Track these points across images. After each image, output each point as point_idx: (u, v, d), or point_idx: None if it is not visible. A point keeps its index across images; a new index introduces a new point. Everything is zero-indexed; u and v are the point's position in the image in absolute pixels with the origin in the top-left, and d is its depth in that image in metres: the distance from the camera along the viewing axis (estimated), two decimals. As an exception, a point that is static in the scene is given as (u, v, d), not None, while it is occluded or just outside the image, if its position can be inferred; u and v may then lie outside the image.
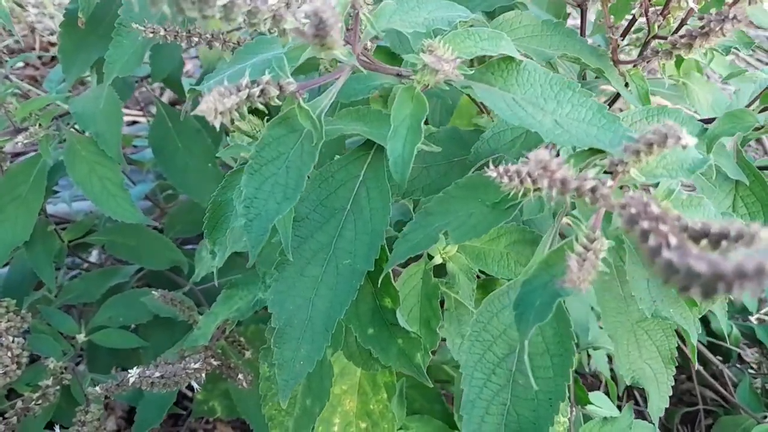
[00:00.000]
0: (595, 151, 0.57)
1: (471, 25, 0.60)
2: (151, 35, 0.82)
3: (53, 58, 2.26)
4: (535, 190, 0.55)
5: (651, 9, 0.71)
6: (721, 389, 1.56)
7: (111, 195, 1.06)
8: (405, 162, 0.58)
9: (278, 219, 0.58)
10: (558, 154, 0.51)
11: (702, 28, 0.61)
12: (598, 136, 0.58)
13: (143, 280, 1.43)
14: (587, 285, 0.44)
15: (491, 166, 0.54)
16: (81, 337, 1.20)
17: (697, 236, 0.43)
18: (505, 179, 0.54)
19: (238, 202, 0.59)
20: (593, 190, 0.46)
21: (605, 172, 0.57)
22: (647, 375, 0.89)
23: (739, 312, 1.66)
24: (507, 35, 0.72)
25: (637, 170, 0.51)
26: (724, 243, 0.40)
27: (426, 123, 0.64)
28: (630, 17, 0.77)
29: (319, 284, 0.67)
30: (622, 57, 0.78)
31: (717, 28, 0.59)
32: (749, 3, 0.62)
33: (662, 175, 0.54)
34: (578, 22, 0.82)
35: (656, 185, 0.57)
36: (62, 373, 1.10)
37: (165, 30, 0.83)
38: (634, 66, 0.73)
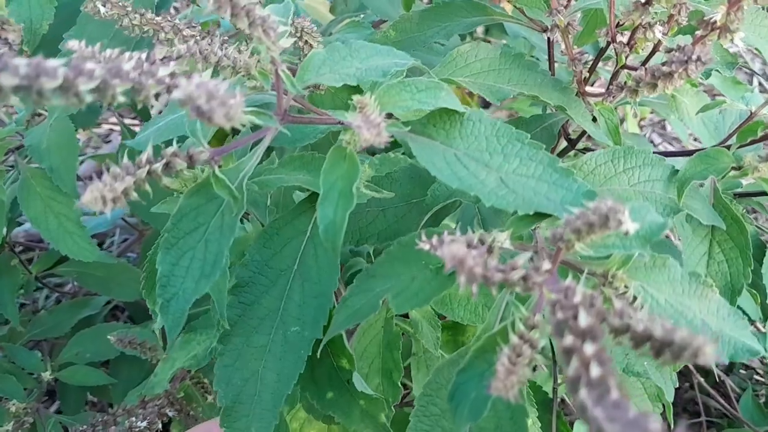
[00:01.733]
0: (543, 215, 0.52)
1: (406, 75, 0.54)
2: None
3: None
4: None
5: (618, 38, 0.65)
6: (723, 402, 1.50)
7: (67, 232, 1.02)
8: (337, 229, 0.53)
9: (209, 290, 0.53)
10: (483, 241, 0.46)
11: (666, 65, 0.55)
12: (548, 195, 0.52)
13: (119, 309, 1.39)
14: (515, 391, 0.39)
15: (423, 238, 0.48)
16: (47, 375, 1.16)
17: (640, 340, 0.37)
18: (439, 252, 0.48)
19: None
20: (524, 279, 0.41)
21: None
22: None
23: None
24: (461, 71, 0.66)
25: (582, 244, 0.45)
26: (666, 352, 0.35)
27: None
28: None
29: (267, 355, 0.62)
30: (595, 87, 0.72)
31: (680, 70, 0.53)
32: (718, 37, 0.56)
33: (614, 246, 0.48)
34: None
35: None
36: (25, 415, 1.06)
37: None
38: (603, 99, 0.67)
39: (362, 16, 1.10)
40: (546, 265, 0.42)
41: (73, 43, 0.46)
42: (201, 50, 0.52)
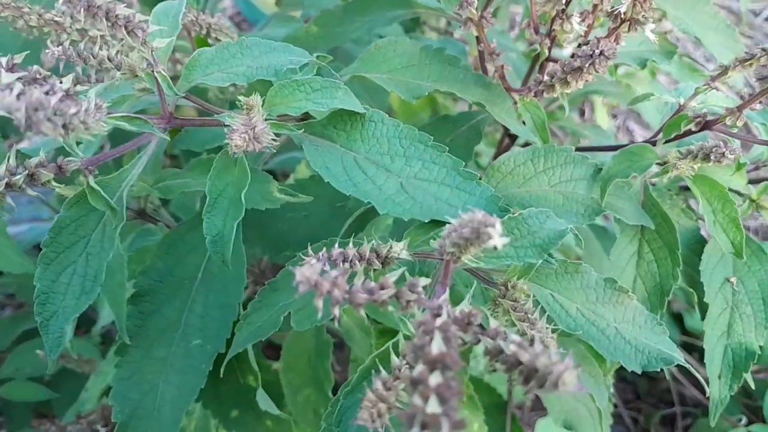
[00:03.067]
0: (443, 222, 0.48)
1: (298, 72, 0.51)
2: None
3: None
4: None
5: (540, 30, 0.62)
6: (697, 391, 1.49)
7: (-5, 246, 0.97)
8: (225, 240, 0.49)
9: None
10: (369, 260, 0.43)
11: (575, 60, 0.52)
12: (449, 200, 0.49)
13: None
14: (385, 421, 0.36)
15: (310, 252, 0.45)
16: (-14, 392, 1.12)
17: (510, 365, 0.34)
18: (327, 266, 0.45)
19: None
20: (398, 296, 0.38)
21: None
22: (581, 415, 0.82)
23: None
24: (378, 67, 0.63)
25: (470, 256, 0.42)
26: (533, 379, 0.32)
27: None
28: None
29: (168, 368, 0.59)
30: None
31: (587, 65, 0.50)
32: (628, 30, 0.53)
33: (507, 256, 0.45)
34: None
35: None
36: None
37: None
38: (524, 95, 0.64)
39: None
40: (422, 281, 0.39)
41: None
42: (79, 53, 0.49)
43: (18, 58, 0.44)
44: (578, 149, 0.62)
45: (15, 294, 1.50)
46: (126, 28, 0.42)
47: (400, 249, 0.46)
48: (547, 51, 0.62)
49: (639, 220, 0.61)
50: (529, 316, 0.44)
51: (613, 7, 0.52)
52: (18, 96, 0.33)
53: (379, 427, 0.36)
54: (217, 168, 0.49)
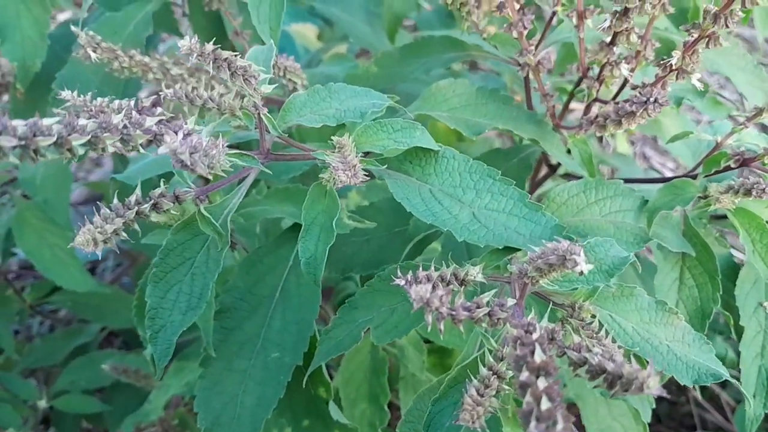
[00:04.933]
0: (514, 248, 0.54)
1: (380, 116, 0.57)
2: None
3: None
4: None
5: (589, 73, 0.68)
6: (718, 415, 1.52)
7: (61, 263, 1.04)
8: (318, 263, 0.55)
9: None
10: (449, 282, 0.48)
11: (629, 104, 0.58)
12: (518, 229, 0.55)
13: (116, 338, 1.41)
14: (482, 422, 0.41)
15: (399, 274, 0.51)
16: (42, 404, 1.17)
17: (595, 373, 0.40)
18: (413, 286, 0.51)
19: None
20: (490, 315, 0.44)
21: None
22: (617, 433, 0.86)
23: (722, 334, 1.62)
24: (439, 106, 0.69)
25: (547, 280, 0.48)
26: (617, 385, 0.38)
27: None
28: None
29: (247, 379, 0.64)
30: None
31: (640, 111, 0.56)
32: (676, 78, 0.59)
33: (578, 280, 0.51)
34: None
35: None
36: (20, 444, 1.08)
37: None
38: (576, 132, 0.70)
39: (347, 46, 1.13)
40: (510, 302, 0.45)
41: (66, 93, 0.49)
42: (187, 94, 0.55)
43: (147, 102, 0.50)
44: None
45: (57, 310, 1.57)
46: (243, 77, 0.49)
47: (476, 272, 0.52)
48: (595, 93, 0.69)
49: (681, 248, 0.66)
50: (596, 334, 0.50)
51: (663, 59, 0.58)
52: (182, 141, 0.39)
53: (478, 427, 0.41)
54: (310, 198, 0.55)
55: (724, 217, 0.79)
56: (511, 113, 0.70)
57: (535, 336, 0.38)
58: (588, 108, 0.72)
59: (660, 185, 0.71)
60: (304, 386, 0.68)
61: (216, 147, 0.43)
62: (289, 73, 0.73)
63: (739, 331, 0.71)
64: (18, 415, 1.13)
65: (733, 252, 0.77)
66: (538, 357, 0.36)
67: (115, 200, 0.49)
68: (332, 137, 0.54)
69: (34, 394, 1.18)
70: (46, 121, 0.38)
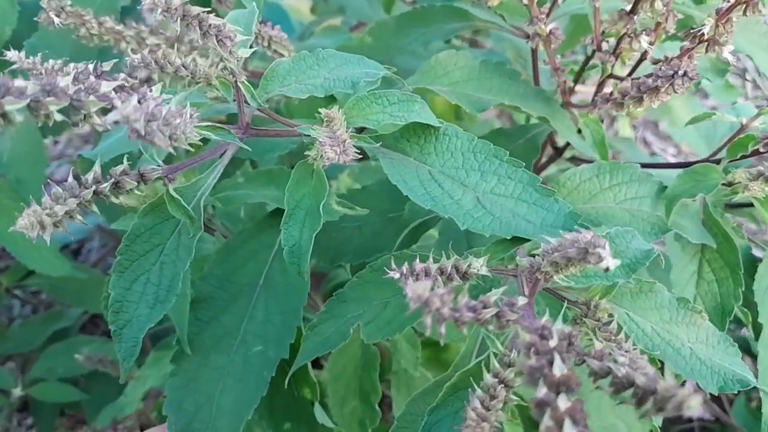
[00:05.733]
0: (522, 238, 0.48)
1: (380, 86, 0.51)
2: None
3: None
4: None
5: (604, 46, 0.62)
6: (716, 407, 1.48)
7: (34, 247, 0.97)
8: (303, 251, 0.49)
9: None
10: (449, 275, 0.43)
11: (652, 79, 0.52)
12: (527, 216, 0.49)
13: (100, 320, 1.35)
14: (488, 436, 0.36)
15: (393, 266, 0.45)
16: (17, 392, 1.12)
17: (620, 386, 0.34)
18: (410, 281, 0.45)
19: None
20: (498, 316, 0.38)
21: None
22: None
23: (732, 322, 1.58)
24: (440, 80, 0.63)
25: (562, 276, 0.42)
26: (649, 401, 0.32)
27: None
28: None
29: (225, 376, 0.59)
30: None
31: (666, 85, 0.50)
32: (706, 51, 0.53)
33: (596, 276, 0.45)
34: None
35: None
36: (-7, 434, 1.02)
37: None
38: (588, 111, 0.64)
39: (341, 19, 1.07)
40: (520, 301, 0.39)
41: (11, 54, 0.43)
42: (156, 60, 0.48)
43: (106, 66, 0.44)
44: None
45: (39, 292, 1.50)
46: (216, 37, 0.42)
47: (479, 265, 0.46)
48: (609, 68, 0.62)
49: (701, 239, 0.60)
50: (615, 336, 0.44)
51: (694, 28, 0.52)
52: (135, 107, 0.32)
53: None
54: (294, 179, 0.49)
55: (740, 206, 0.73)
56: (517, 89, 0.64)
57: (552, 343, 0.33)
58: (601, 85, 0.66)
59: (675, 171, 0.66)
60: (286, 386, 0.63)
61: (181, 116, 0.36)
62: (275, 43, 0.66)
63: (757, 329, 0.65)
64: None
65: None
66: (558, 370, 0.30)
67: (70, 178, 0.43)
68: (320, 109, 0.47)
69: (9, 383, 1.12)
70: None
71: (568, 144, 0.78)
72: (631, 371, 0.33)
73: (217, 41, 0.42)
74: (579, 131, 0.66)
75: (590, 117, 0.64)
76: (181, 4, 0.40)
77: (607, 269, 0.35)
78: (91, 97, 0.37)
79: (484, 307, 0.36)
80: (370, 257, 0.71)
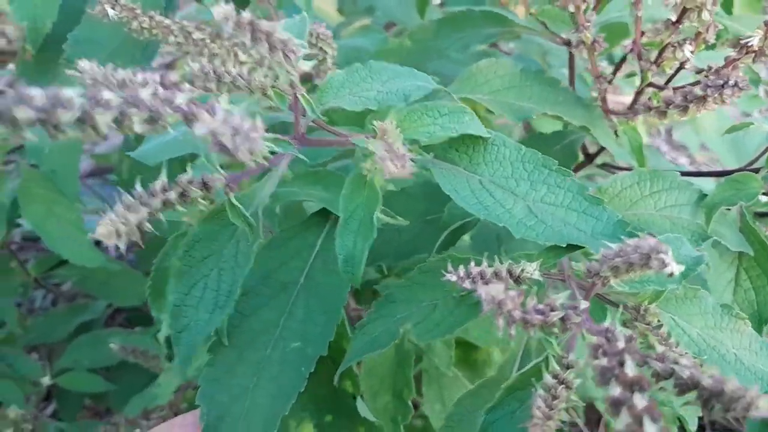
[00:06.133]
0: (574, 245, 0.49)
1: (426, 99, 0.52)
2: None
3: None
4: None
5: (643, 54, 0.63)
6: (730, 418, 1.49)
7: (69, 237, 0.99)
8: (357, 260, 0.51)
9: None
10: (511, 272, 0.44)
11: (698, 88, 0.53)
12: (578, 224, 0.50)
13: (119, 314, 1.37)
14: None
15: (449, 268, 0.47)
16: (46, 380, 1.14)
17: (684, 387, 0.35)
18: (467, 284, 0.46)
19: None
20: (563, 319, 0.39)
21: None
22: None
23: None
24: (480, 88, 0.64)
25: (618, 281, 0.44)
26: (715, 403, 0.33)
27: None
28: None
29: (261, 371, 0.58)
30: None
31: (715, 95, 0.51)
32: (753, 61, 0.54)
33: (650, 281, 0.46)
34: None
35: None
36: (24, 422, 1.04)
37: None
38: (628, 119, 0.64)
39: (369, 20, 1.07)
40: (583, 304, 0.40)
41: (84, 64, 0.44)
42: (215, 70, 0.50)
43: (174, 76, 0.45)
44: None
45: (60, 284, 1.52)
46: (283, 51, 0.43)
47: (532, 270, 0.47)
48: (650, 76, 0.63)
49: (740, 247, 0.61)
50: (666, 340, 0.45)
51: (741, 38, 0.53)
52: (223, 121, 0.34)
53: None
54: (348, 189, 0.50)
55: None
56: (557, 97, 0.65)
57: (620, 344, 0.34)
58: (639, 93, 0.66)
59: (709, 179, 0.67)
60: (328, 379, 0.64)
61: (256, 130, 0.38)
62: (321, 41, 0.67)
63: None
64: (21, 392, 1.09)
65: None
66: (630, 370, 0.32)
67: (138, 187, 0.44)
68: (374, 122, 0.49)
69: (38, 372, 1.14)
70: (66, 92, 0.33)
71: (599, 150, 0.79)
72: (696, 372, 0.34)
73: (284, 56, 0.43)
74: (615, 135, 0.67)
75: (629, 124, 0.65)
76: (250, 20, 0.41)
77: (671, 274, 0.36)
78: (168, 109, 0.39)
79: (551, 310, 0.38)
80: (409, 258, 0.72)
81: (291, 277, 0.61)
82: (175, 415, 0.98)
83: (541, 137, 0.72)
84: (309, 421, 0.67)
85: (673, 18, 0.57)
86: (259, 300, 0.61)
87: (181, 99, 0.40)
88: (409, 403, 0.79)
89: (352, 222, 0.50)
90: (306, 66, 0.47)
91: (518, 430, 0.44)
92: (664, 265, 0.38)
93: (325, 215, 0.62)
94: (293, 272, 0.61)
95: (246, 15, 0.41)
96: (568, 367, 0.43)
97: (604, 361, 0.34)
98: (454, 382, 0.87)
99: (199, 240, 0.50)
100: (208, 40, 0.73)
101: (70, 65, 0.89)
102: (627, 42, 0.64)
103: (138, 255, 1.36)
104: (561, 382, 0.41)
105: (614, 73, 0.70)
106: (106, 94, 0.36)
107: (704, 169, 0.70)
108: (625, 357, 0.33)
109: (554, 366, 0.42)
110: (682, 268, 0.38)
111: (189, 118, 0.41)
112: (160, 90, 0.41)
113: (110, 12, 0.64)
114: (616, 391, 0.31)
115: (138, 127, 0.38)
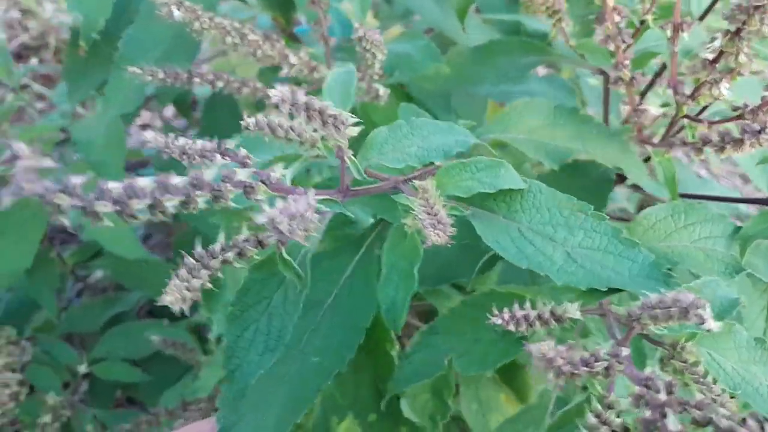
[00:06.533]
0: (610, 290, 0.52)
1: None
2: (149, 78, 0.79)
3: (69, 56, 2.21)
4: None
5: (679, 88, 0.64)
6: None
7: (111, 229, 1.02)
8: (398, 309, 0.53)
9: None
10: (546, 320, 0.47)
11: (733, 122, 0.54)
12: (615, 267, 0.52)
13: (148, 306, 1.40)
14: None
15: (495, 311, 0.49)
16: (82, 368, 1.18)
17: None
18: (512, 326, 0.49)
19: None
20: (608, 368, 0.42)
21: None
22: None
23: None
24: (515, 128, 0.65)
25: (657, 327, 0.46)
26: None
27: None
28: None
29: (280, 383, 0.62)
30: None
31: (753, 140, 0.52)
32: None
33: (685, 326, 0.48)
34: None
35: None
36: (62, 408, 1.09)
37: (165, 72, 0.79)
38: (664, 151, 0.66)
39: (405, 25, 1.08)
40: (624, 351, 0.43)
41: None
42: (269, 124, 0.52)
43: (230, 144, 0.47)
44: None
45: (88, 276, 1.55)
46: (334, 125, 0.46)
47: (573, 310, 0.50)
48: (685, 109, 0.64)
49: (772, 277, 0.62)
50: (703, 378, 0.48)
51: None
52: (281, 210, 0.36)
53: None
54: (390, 243, 0.53)
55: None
56: (591, 132, 0.66)
57: (662, 397, 0.37)
58: (673, 125, 0.67)
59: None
60: (371, 379, 0.67)
61: (310, 208, 0.40)
62: (373, 46, 0.69)
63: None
64: (58, 380, 1.14)
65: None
66: (673, 425, 0.34)
67: (199, 248, 0.47)
68: (414, 181, 0.51)
69: (74, 360, 1.18)
70: (142, 182, 0.37)
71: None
72: (734, 424, 0.36)
73: (335, 128, 0.46)
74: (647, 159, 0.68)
75: (663, 157, 0.66)
76: (305, 101, 0.43)
77: (708, 330, 0.38)
78: (230, 187, 0.42)
79: (596, 361, 0.41)
80: (447, 282, 0.74)
81: (320, 296, 0.64)
82: (214, 408, 1.02)
83: (578, 167, 0.73)
84: (353, 419, 0.70)
85: (710, 58, 0.58)
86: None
87: (242, 175, 0.43)
88: (449, 402, 0.82)
89: (394, 273, 0.53)
90: (353, 132, 0.49)
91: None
92: (702, 320, 0.40)
93: (356, 241, 0.65)
94: (322, 293, 0.64)
95: (301, 96, 0.44)
96: (609, 407, 0.45)
97: (648, 414, 0.36)
98: (490, 383, 0.90)
99: (251, 287, 0.53)
100: (260, 41, 0.76)
101: (123, 62, 0.92)
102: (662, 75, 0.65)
103: (174, 248, 1.40)
104: (603, 423, 0.44)
105: (642, 95, 0.71)
106: (174, 179, 0.39)
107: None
108: (666, 411, 0.36)
109: (596, 405, 0.45)
110: (720, 324, 0.40)
111: (246, 191, 0.44)
112: (218, 157, 0.45)
113: (176, 13, 0.67)
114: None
115: (202, 206, 0.41)
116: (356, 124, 0.48)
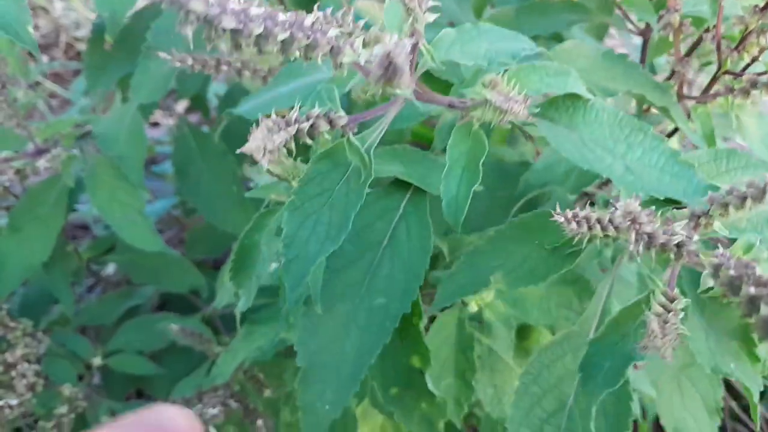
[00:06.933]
0: (667, 201, 0.52)
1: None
2: (178, 64, 0.79)
3: (79, 53, 2.23)
4: (602, 237, 0.51)
5: (724, 42, 0.66)
6: (753, 428, 1.49)
7: (131, 222, 1.02)
8: (459, 204, 0.53)
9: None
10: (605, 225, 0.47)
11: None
12: (671, 185, 0.53)
13: (161, 300, 1.39)
14: (671, 352, 0.40)
15: (557, 209, 0.49)
16: (97, 361, 1.16)
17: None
18: (573, 225, 0.49)
19: (266, 242, 0.54)
20: (679, 245, 0.42)
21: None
22: (689, 427, 0.84)
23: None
24: (569, 65, 0.67)
25: (720, 223, 0.46)
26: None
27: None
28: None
29: (350, 322, 0.61)
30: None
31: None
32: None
33: (747, 229, 0.49)
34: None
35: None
36: (77, 399, 1.05)
37: (193, 59, 0.80)
38: (702, 102, 0.68)
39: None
40: (695, 237, 0.43)
41: None
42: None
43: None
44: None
45: (101, 270, 1.53)
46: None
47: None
48: (728, 63, 0.67)
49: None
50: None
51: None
52: (396, 44, 0.37)
53: (668, 357, 0.40)
54: (455, 138, 0.54)
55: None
56: (638, 79, 0.68)
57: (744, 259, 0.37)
58: (714, 80, 0.70)
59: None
60: (396, 353, 0.66)
61: (405, 51, 0.41)
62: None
63: None
64: (74, 372, 1.11)
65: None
66: (762, 271, 0.34)
67: (273, 116, 0.47)
68: (485, 76, 0.52)
69: (89, 352, 1.16)
70: (256, 10, 0.37)
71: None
72: None
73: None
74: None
75: (703, 110, 0.68)
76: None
77: None
78: (324, 40, 0.42)
79: (672, 234, 0.41)
80: (481, 230, 0.74)
81: (376, 237, 0.64)
82: (232, 396, 0.99)
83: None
84: (378, 390, 0.69)
85: (761, 5, 0.60)
86: (347, 258, 0.63)
87: (333, 32, 0.43)
88: (473, 383, 0.81)
89: (456, 167, 0.53)
90: (430, 18, 0.50)
91: (620, 357, 0.46)
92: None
93: (403, 185, 0.66)
94: (378, 233, 0.64)
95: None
96: (672, 299, 0.45)
97: (733, 272, 0.36)
98: (506, 367, 0.89)
99: (313, 178, 0.53)
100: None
101: (150, 52, 0.94)
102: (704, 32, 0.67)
103: (186, 242, 1.39)
104: (669, 310, 0.44)
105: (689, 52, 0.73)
106: (281, 16, 0.40)
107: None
108: (753, 265, 0.36)
109: (661, 297, 0.45)
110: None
111: (333, 51, 0.44)
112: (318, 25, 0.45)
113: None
114: (750, 290, 0.34)
115: (296, 53, 0.41)
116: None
